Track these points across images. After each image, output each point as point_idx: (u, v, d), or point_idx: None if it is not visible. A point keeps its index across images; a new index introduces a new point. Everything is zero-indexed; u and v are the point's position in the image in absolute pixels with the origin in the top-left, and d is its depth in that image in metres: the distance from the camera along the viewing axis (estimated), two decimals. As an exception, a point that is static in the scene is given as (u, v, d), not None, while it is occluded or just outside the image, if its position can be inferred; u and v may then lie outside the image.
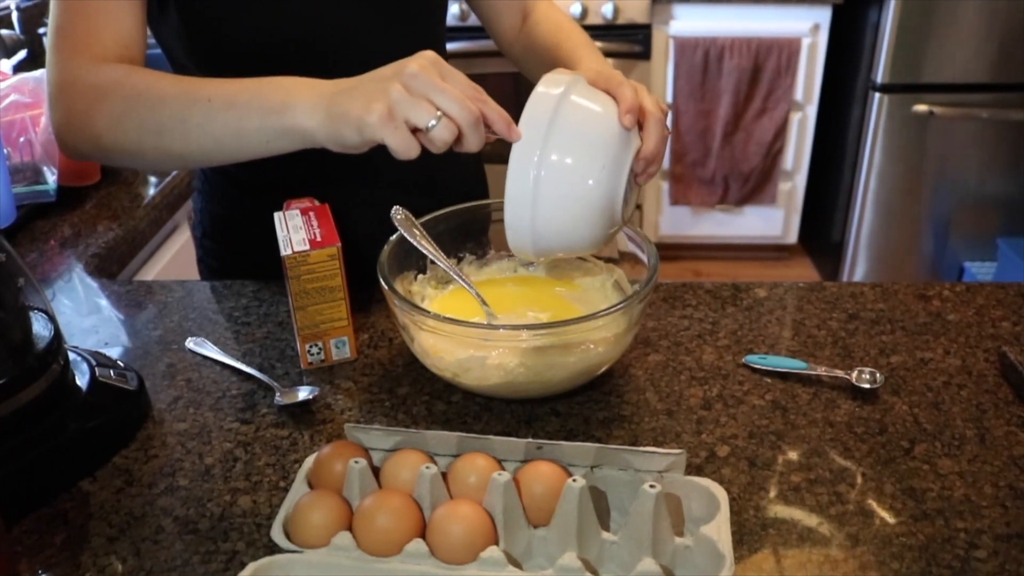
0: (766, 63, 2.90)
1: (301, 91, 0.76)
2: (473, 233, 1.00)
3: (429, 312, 0.82)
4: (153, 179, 1.48)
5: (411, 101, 0.69)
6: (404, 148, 0.71)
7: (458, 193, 1.03)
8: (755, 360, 0.92)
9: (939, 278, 3.03)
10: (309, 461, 0.75)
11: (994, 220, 2.90)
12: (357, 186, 1.08)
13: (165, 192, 1.44)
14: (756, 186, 3.14)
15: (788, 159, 3.10)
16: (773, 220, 3.24)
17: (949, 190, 2.89)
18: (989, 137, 2.79)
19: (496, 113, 0.72)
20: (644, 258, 0.89)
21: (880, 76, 2.70)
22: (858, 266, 3.03)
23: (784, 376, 0.91)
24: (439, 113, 0.70)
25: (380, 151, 0.74)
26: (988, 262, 2.92)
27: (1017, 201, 2.87)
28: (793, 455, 0.80)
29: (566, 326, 0.79)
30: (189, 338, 0.99)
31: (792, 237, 3.29)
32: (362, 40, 1.02)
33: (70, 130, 0.85)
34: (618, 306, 0.80)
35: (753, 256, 3.42)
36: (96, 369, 0.86)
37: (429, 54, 0.73)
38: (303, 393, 0.87)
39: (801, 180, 3.16)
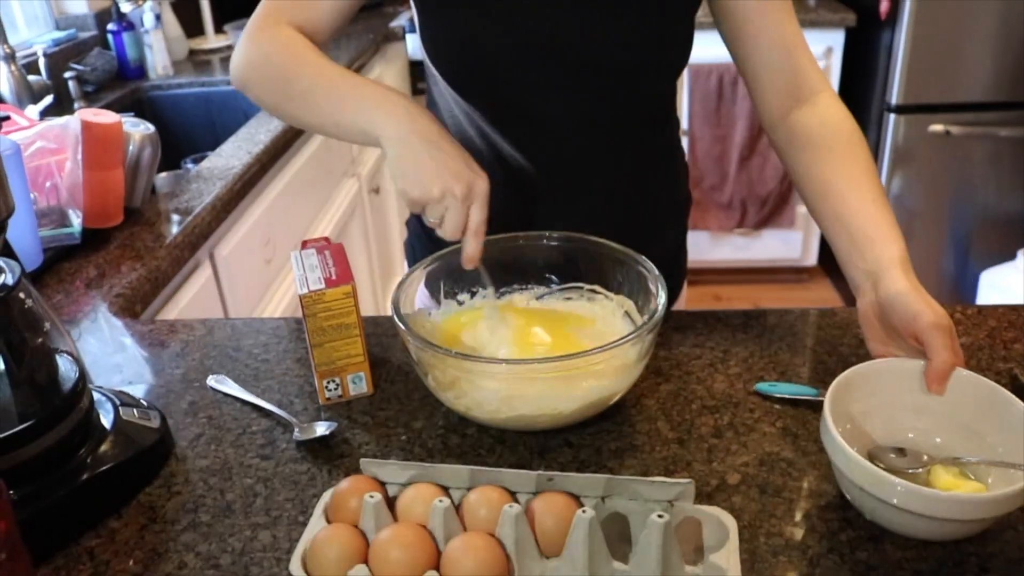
0: (780, 87, 2.91)
1: (390, 113, 0.91)
2: (488, 267, 1.02)
3: (441, 348, 0.83)
4: (176, 217, 1.52)
5: (434, 205, 0.89)
6: (411, 210, 0.92)
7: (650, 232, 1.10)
8: (766, 388, 0.93)
9: (960, 296, 3.02)
10: (327, 496, 0.77)
11: (1015, 237, 2.89)
12: (555, 198, 1.11)
13: (187, 231, 1.47)
14: (773, 209, 3.15)
15: (805, 181, 3.10)
16: (792, 242, 3.25)
17: (968, 208, 2.89)
18: (1007, 155, 2.79)
19: (469, 252, 0.91)
20: (653, 289, 0.91)
21: (895, 97, 2.71)
22: (879, 287, 3.01)
23: (795, 403, 0.92)
24: (439, 220, 0.90)
25: (585, 168, 1.08)
26: (1011, 280, 2.90)
27: (1037, 218, 2.87)
28: (803, 482, 0.81)
29: (575, 359, 0.81)
30: (210, 376, 1.01)
31: (811, 259, 3.29)
32: (598, 43, 1.00)
33: (238, 72, 1.04)
34: (627, 338, 0.82)
35: (773, 279, 3.42)
36: (120, 408, 0.88)
37: (479, 187, 0.89)
38: (321, 428, 0.89)
39: (819, 202, 3.15)
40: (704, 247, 3.27)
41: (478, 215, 0.89)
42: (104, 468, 0.82)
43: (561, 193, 1.10)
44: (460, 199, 0.87)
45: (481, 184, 0.89)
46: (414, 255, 1.25)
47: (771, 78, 1.03)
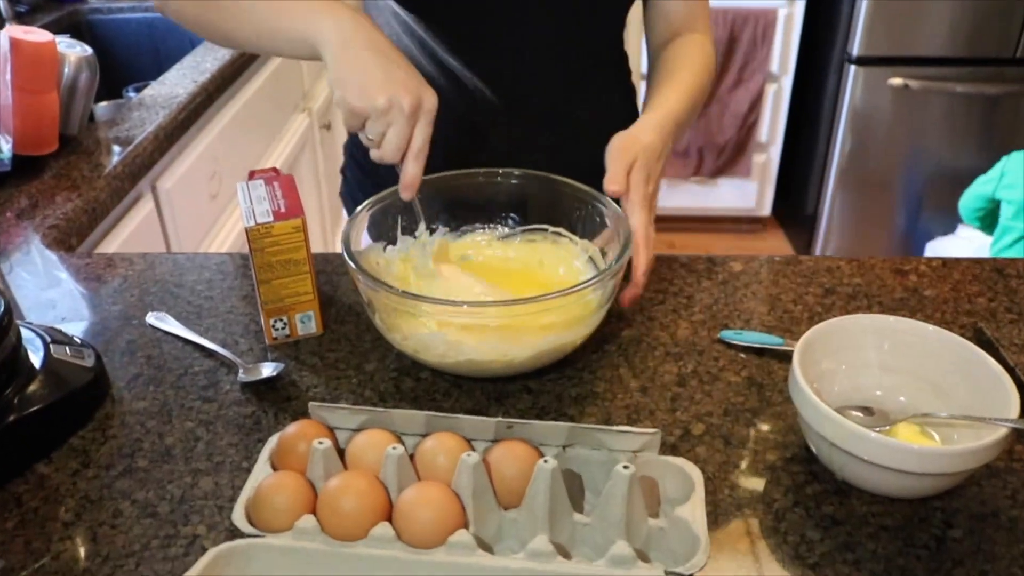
0: (742, 34, 2.88)
1: (334, 18, 0.83)
2: (447, 204, 0.97)
3: (391, 287, 0.79)
4: (116, 147, 1.44)
5: (378, 117, 0.81)
6: (349, 127, 0.84)
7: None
8: (730, 336, 0.91)
9: (911, 251, 3.04)
10: (272, 441, 0.73)
11: (966, 193, 2.91)
12: (503, 113, 1.06)
13: (127, 161, 1.40)
14: (730, 158, 3.13)
15: (763, 131, 3.09)
16: (747, 192, 3.24)
17: (922, 163, 2.89)
18: (963, 111, 2.79)
19: (409, 176, 0.84)
20: (618, 233, 0.87)
21: (856, 48, 2.68)
22: (831, 239, 3.03)
23: (760, 352, 0.89)
24: (379, 137, 0.83)
25: (532, 87, 1.03)
26: (960, 235, 2.93)
27: (989, 175, 2.88)
28: (769, 433, 0.79)
29: (526, 304, 0.77)
30: (150, 313, 0.96)
31: (766, 210, 3.28)
32: None
33: None
34: (585, 284, 0.77)
35: (727, 228, 3.41)
36: (51, 346, 0.83)
37: (428, 102, 0.82)
38: (267, 370, 0.85)
39: (775, 152, 3.15)
40: (659, 195, 3.24)
41: (422, 135, 0.82)
42: (32, 409, 0.76)
43: (508, 115, 1.06)
44: (407, 113, 0.80)
45: (431, 99, 0.82)
46: (354, 205, 1.20)
47: (665, 22, 1.09)
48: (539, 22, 1.00)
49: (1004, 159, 2.41)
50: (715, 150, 3.10)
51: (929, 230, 2.98)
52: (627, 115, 1.19)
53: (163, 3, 0.95)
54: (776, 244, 3.35)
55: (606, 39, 1.11)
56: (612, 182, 0.87)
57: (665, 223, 3.35)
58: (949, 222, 2.95)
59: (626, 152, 0.89)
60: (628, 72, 1.19)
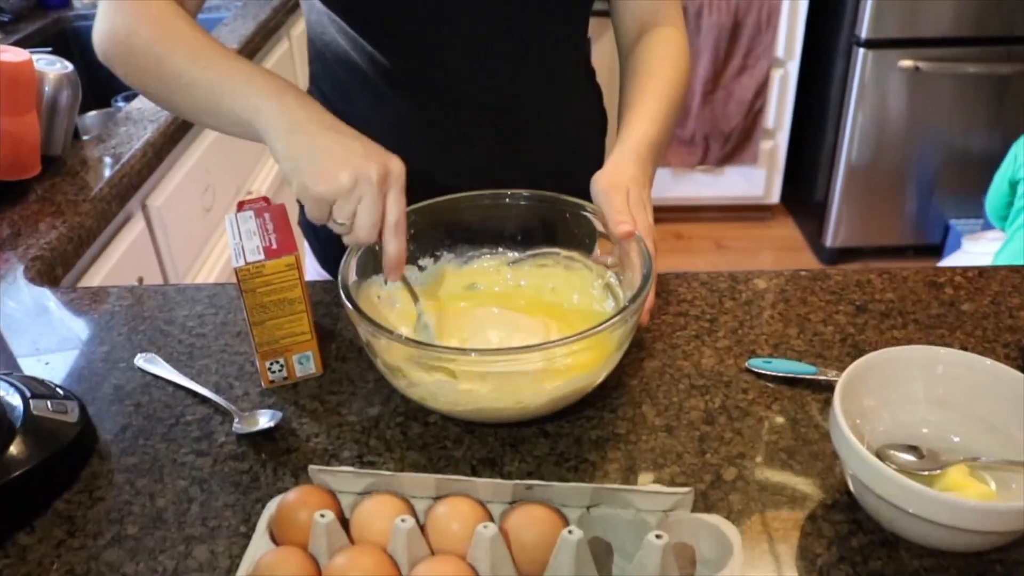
0: (746, 19, 2.80)
1: (277, 102, 0.78)
2: (452, 230, 0.91)
3: (392, 332, 0.72)
4: (103, 164, 1.38)
5: (345, 197, 0.74)
6: (315, 218, 0.77)
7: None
8: (759, 364, 0.85)
9: (924, 237, 2.98)
10: (271, 506, 0.67)
11: (979, 177, 2.83)
12: (472, 125, 1.00)
13: (114, 181, 1.33)
14: (737, 146, 3.06)
15: (769, 117, 3.02)
16: (755, 180, 3.17)
17: (934, 147, 2.82)
18: (974, 92, 2.73)
19: (392, 255, 0.77)
20: (636, 261, 0.80)
21: (864, 31, 2.61)
22: (842, 225, 2.96)
23: (792, 382, 0.83)
24: (350, 218, 0.75)
25: (468, 116, 0.97)
26: (973, 219, 2.86)
27: (1002, 157, 2.80)
28: (807, 476, 0.73)
29: (543, 350, 0.70)
30: (139, 354, 0.90)
31: (774, 197, 3.22)
32: None
33: (101, 44, 0.89)
34: (604, 325, 0.71)
35: (735, 217, 3.34)
36: (30, 402, 0.77)
37: (396, 168, 0.76)
38: (264, 419, 0.79)
39: (783, 139, 3.08)
40: (665, 184, 3.17)
41: (396, 206, 0.76)
42: (13, 475, 0.71)
43: (478, 126, 0.99)
44: (376, 183, 0.73)
45: (398, 164, 0.76)
46: (313, 233, 1.14)
47: (632, 17, 1.03)
48: (496, 28, 0.94)
49: (1016, 143, 2.35)
50: (721, 138, 3.03)
51: (943, 214, 2.92)
52: (599, 118, 1.15)
53: (109, 63, 0.89)
54: (785, 232, 3.29)
55: (568, 41, 1.04)
56: (621, 223, 0.80)
57: (672, 212, 3.29)
58: (963, 205, 2.88)
59: (617, 190, 0.82)
60: (593, 72, 1.13)
